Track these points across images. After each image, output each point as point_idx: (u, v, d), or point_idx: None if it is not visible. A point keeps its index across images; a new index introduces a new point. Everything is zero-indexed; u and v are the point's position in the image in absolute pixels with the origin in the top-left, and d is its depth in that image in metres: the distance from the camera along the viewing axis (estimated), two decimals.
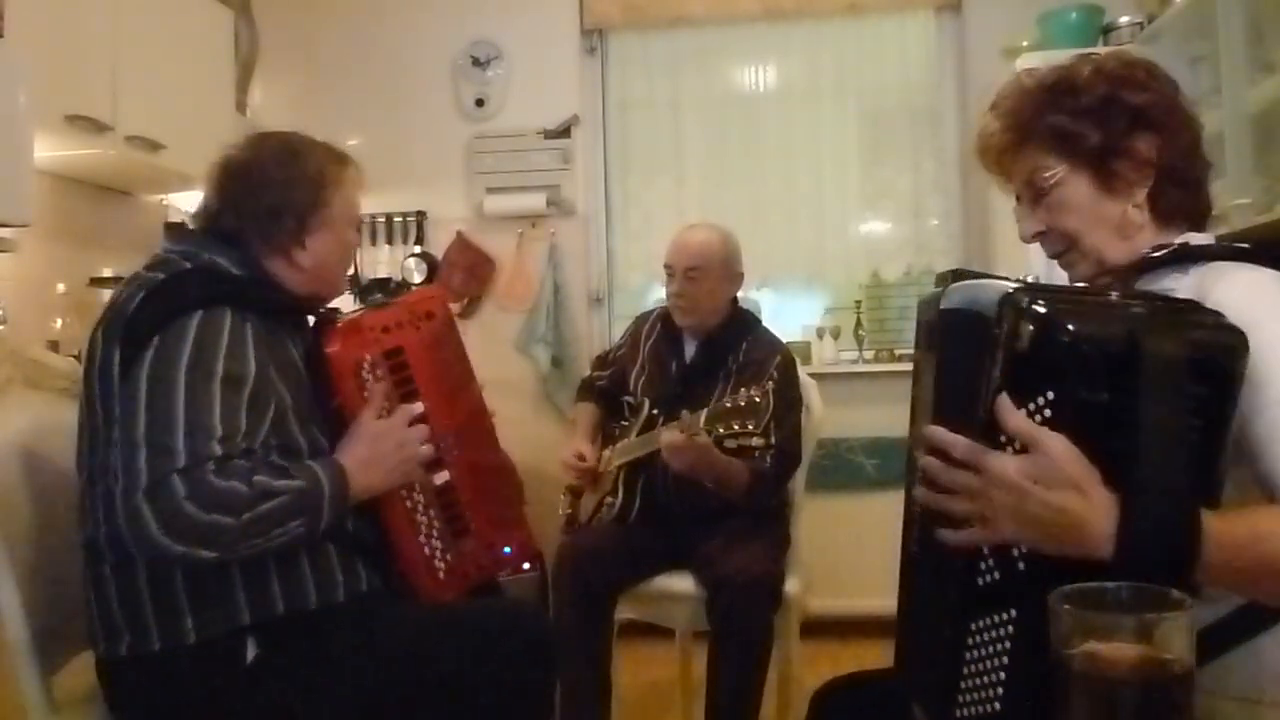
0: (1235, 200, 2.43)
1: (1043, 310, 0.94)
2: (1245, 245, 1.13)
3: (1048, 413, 0.93)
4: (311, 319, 1.66)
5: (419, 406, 1.61)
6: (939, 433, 1.02)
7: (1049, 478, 0.92)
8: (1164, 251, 1.14)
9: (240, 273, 1.55)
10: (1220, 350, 0.93)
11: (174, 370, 1.37)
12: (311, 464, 1.47)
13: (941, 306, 1.14)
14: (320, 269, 1.63)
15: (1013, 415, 0.95)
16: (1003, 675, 0.98)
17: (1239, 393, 0.94)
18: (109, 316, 1.47)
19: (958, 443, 0.99)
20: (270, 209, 1.57)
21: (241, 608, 1.44)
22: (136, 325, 1.41)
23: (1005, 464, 0.95)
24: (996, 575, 1.00)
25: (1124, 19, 3.20)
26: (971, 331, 1.03)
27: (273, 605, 1.46)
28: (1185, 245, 1.14)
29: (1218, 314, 0.97)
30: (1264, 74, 2.48)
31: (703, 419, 2.23)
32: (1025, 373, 0.95)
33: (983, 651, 1.00)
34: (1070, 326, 0.92)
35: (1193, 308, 0.99)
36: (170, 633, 1.42)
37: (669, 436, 2.28)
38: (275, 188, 1.57)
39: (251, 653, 1.44)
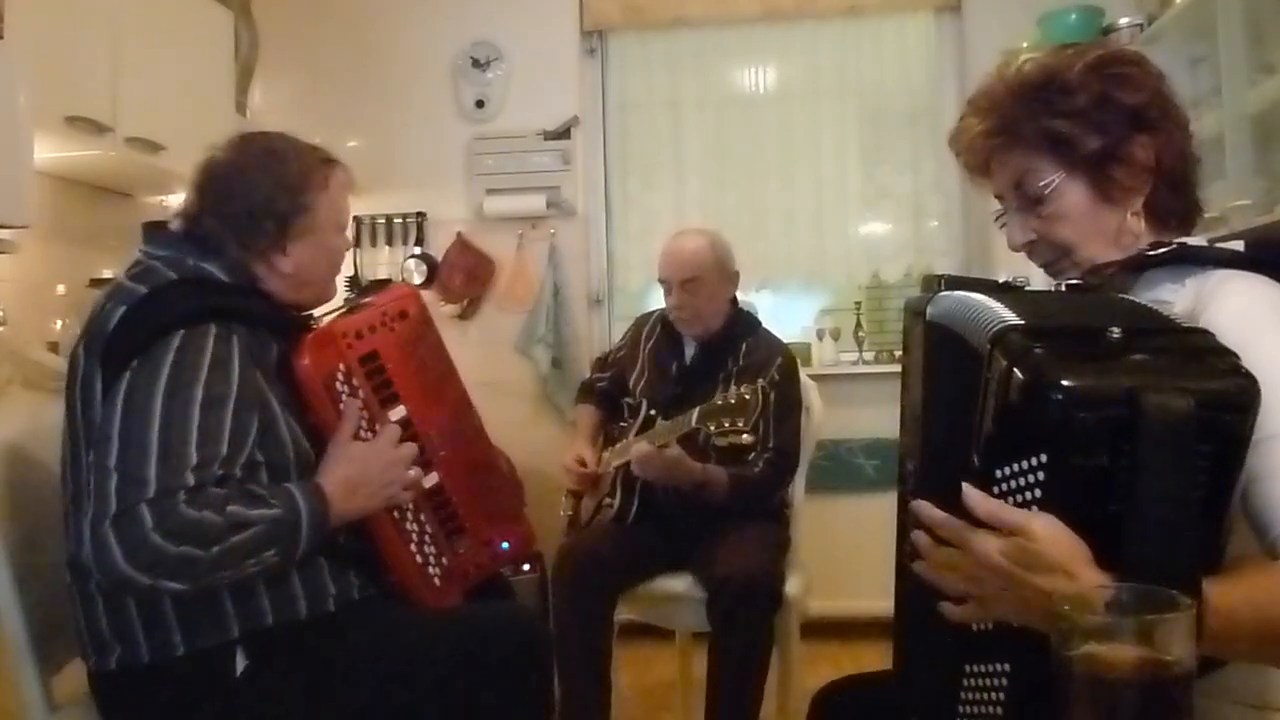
0: (1235, 201, 2.43)
1: (1037, 363, 0.86)
2: (1240, 250, 1.10)
3: (1040, 475, 0.87)
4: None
5: (401, 410, 1.58)
6: (924, 509, 0.97)
7: (1033, 562, 0.86)
8: (1163, 251, 1.10)
9: (228, 280, 1.52)
10: (1230, 405, 0.84)
11: (151, 396, 1.32)
12: (291, 488, 1.41)
13: (928, 318, 1.08)
14: (303, 275, 1.58)
15: (984, 503, 0.90)
16: None
17: (1248, 448, 0.86)
18: (90, 332, 1.43)
19: (942, 523, 0.95)
20: (249, 213, 1.52)
21: (230, 621, 1.42)
22: (116, 346, 1.37)
23: (988, 547, 0.90)
24: (990, 624, 0.97)
25: (1124, 20, 3.21)
26: (960, 362, 0.97)
27: (261, 618, 1.43)
28: (1184, 246, 1.10)
29: (1228, 356, 0.89)
30: (1264, 75, 2.48)
31: (694, 418, 2.24)
32: (1017, 431, 0.88)
33: (978, 695, 0.98)
34: (1065, 383, 0.83)
35: (1202, 347, 0.90)
36: (159, 646, 1.40)
37: (638, 448, 2.31)
38: (255, 192, 1.53)
39: (241, 665, 1.42)
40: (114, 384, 1.35)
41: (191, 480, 1.30)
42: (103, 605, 1.41)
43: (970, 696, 0.98)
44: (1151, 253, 1.11)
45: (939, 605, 0.98)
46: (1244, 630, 0.86)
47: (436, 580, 1.63)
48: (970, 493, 0.90)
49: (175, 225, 1.58)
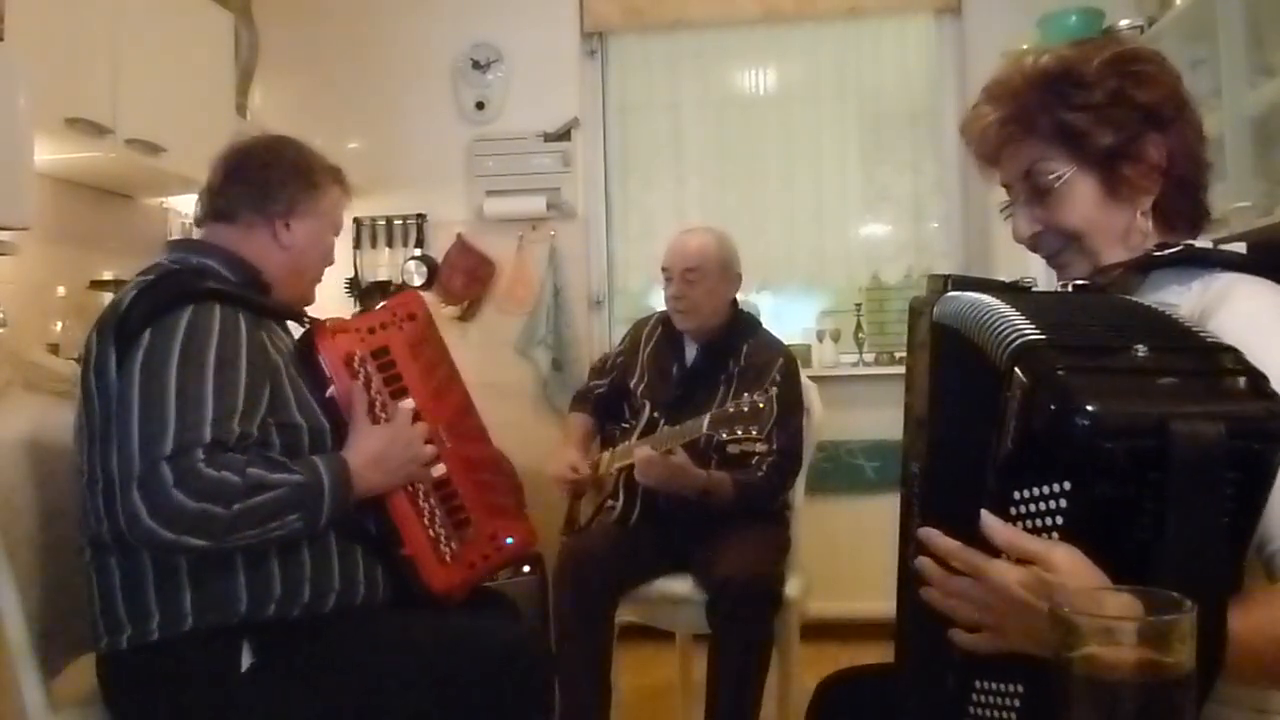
0: (1236, 204, 2.43)
1: (1063, 387, 0.81)
2: (1244, 253, 1.09)
3: (1063, 503, 0.84)
4: (294, 326, 1.71)
5: (409, 403, 1.66)
6: (935, 538, 0.94)
7: (1054, 596, 0.83)
8: (1170, 251, 1.09)
9: (230, 275, 1.61)
10: (1260, 434, 0.80)
11: (166, 360, 1.41)
12: (314, 459, 1.50)
13: (936, 319, 1.06)
14: (298, 258, 1.69)
15: (1002, 531, 0.86)
16: None
17: (1277, 475, 0.82)
18: (104, 317, 1.51)
19: (956, 552, 0.92)
20: (268, 180, 1.66)
21: (240, 591, 1.45)
22: (129, 321, 1.45)
23: (1006, 577, 0.86)
24: None
25: (1124, 22, 3.20)
26: (972, 368, 0.94)
27: (270, 588, 1.47)
28: (1191, 247, 1.09)
29: (1256, 377, 0.84)
30: (1264, 77, 2.48)
31: (705, 424, 2.24)
32: (1039, 456, 0.84)
33: (988, 714, 0.95)
34: (1091, 409, 0.79)
35: (1230, 367, 0.85)
36: (170, 619, 1.44)
37: (641, 452, 2.30)
38: (275, 163, 1.68)
39: (247, 660, 1.45)
40: (128, 355, 1.43)
41: (209, 435, 1.37)
42: (120, 581, 1.45)
43: (979, 713, 0.96)
44: (1159, 253, 1.10)
45: (950, 633, 0.95)
46: (1263, 659, 0.85)
47: (448, 556, 1.67)
48: (989, 520, 0.87)
49: (198, 205, 1.72)
